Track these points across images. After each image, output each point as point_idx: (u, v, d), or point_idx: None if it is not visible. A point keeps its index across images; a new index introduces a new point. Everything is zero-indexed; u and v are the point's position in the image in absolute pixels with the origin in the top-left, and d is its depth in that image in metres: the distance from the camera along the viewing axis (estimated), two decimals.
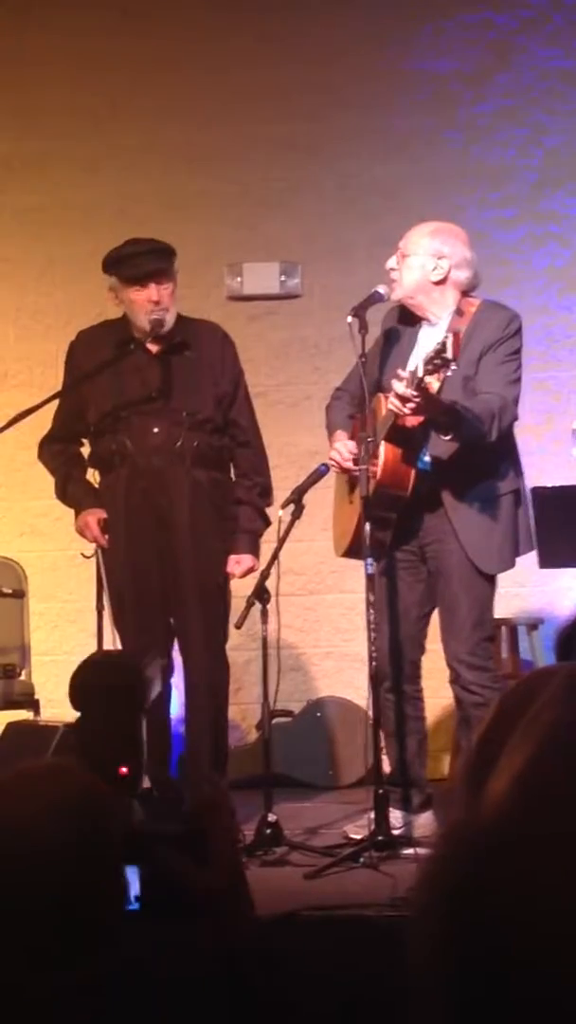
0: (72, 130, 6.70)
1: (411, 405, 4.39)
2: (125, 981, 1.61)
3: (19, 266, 6.73)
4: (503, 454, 4.70)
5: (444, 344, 4.19)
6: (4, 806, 1.67)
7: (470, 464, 4.61)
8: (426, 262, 4.73)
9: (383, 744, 4.77)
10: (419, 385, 4.33)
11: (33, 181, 6.70)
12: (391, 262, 4.81)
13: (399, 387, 4.38)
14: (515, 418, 4.68)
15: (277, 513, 4.98)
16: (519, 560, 4.83)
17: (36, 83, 6.73)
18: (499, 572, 4.78)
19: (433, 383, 4.39)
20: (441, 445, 4.59)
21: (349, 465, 4.74)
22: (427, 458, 4.66)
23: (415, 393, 4.34)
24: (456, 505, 4.66)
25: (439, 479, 4.65)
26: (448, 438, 4.52)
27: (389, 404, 4.50)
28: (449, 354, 4.17)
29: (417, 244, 4.77)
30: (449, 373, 4.30)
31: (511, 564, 4.79)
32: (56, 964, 1.58)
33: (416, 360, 4.53)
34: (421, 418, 4.52)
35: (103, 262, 5.01)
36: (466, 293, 4.78)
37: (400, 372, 4.43)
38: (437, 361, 4.23)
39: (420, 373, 4.32)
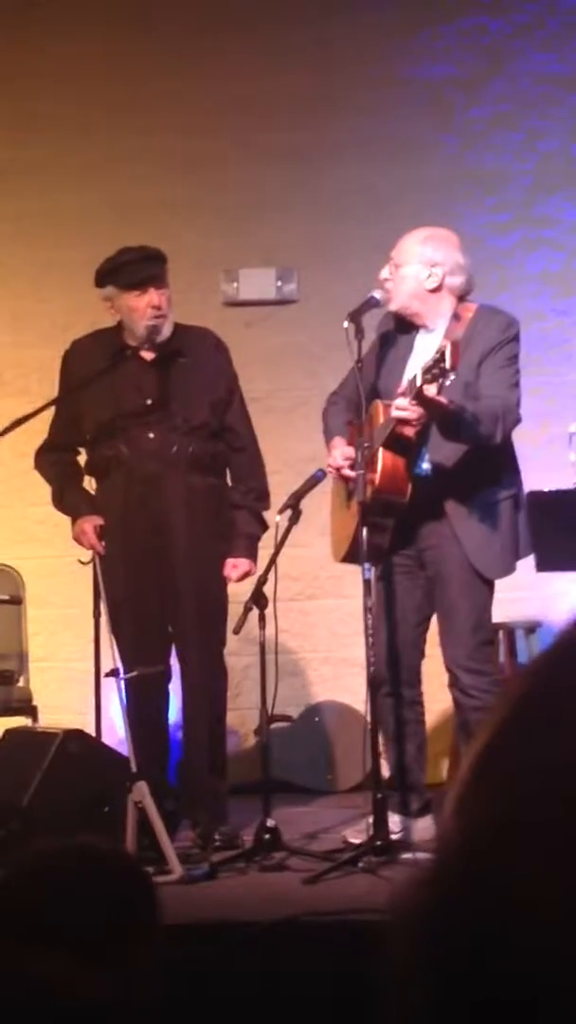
0: (68, 137, 6.71)
1: (407, 414, 4.41)
2: None
3: (15, 272, 6.73)
4: (501, 459, 4.71)
5: (443, 354, 4.19)
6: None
7: (469, 470, 4.61)
8: (419, 271, 4.72)
9: (382, 748, 4.77)
10: (418, 393, 4.34)
11: (29, 187, 6.70)
12: (385, 272, 4.80)
13: (401, 402, 4.40)
14: (518, 420, 4.68)
15: (274, 518, 4.99)
16: (517, 564, 4.83)
17: (32, 90, 6.74)
18: (501, 577, 4.78)
19: (431, 391, 4.39)
20: (443, 450, 4.59)
21: (347, 472, 4.74)
22: (426, 465, 4.66)
23: (414, 403, 4.35)
24: (456, 510, 4.66)
25: (439, 485, 4.65)
26: (455, 439, 4.52)
27: (392, 412, 4.50)
28: (448, 363, 4.16)
29: (409, 253, 4.76)
30: (448, 382, 4.29)
31: (512, 569, 4.79)
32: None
33: (414, 368, 4.53)
34: (417, 428, 4.52)
35: (97, 275, 4.99)
36: (462, 298, 4.78)
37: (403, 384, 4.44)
38: (436, 370, 4.22)
39: (419, 382, 4.32)
